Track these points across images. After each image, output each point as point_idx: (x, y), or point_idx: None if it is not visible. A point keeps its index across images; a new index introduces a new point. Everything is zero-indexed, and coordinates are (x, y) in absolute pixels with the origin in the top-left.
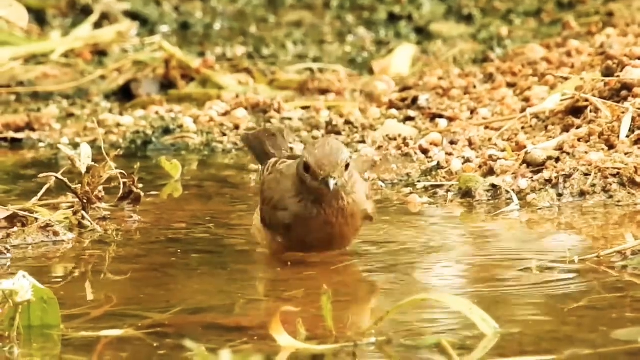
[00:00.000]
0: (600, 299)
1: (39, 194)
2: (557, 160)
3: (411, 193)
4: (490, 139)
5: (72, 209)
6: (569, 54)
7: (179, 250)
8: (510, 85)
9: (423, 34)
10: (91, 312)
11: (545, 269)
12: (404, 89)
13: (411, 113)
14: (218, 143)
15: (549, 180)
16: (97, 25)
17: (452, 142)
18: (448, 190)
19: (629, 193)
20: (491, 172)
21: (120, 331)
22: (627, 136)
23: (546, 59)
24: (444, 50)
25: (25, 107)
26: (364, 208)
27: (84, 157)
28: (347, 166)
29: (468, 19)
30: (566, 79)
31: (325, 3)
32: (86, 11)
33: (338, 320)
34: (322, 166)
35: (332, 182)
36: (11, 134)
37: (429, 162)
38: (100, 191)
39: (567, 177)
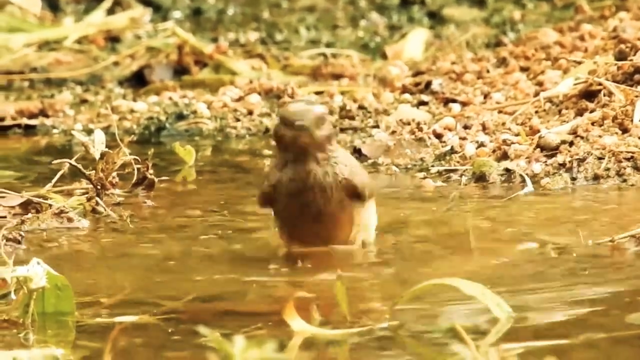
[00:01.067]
0: (613, 282)
1: (53, 180)
2: (571, 144)
3: (425, 178)
4: (503, 123)
5: (86, 195)
6: (582, 38)
7: (192, 237)
8: (523, 69)
9: (436, 18)
10: (105, 298)
11: (559, 254)
12: (417, 73)
13: (424, 98)
14: (232, 128)
15: (562, 164)
16: (110, 11)
17: (465, 127)
18: (462, 175)
19: None
20: (505, 156)
21: (134, 317)
22: None
23: (559, 42)
24: (456, 34)
25: (38, 94)
26: (345, 178)
27: (97, 143)
28: (323, 121)
29: (481, 3)
30: (579, 63)
31: None
32: None
33: (352, 306)
34: (295, 113)
35: (308, 120)
36: (25, 121)
37: (442, 146)
38: (114, 177)
39: (581, 161)
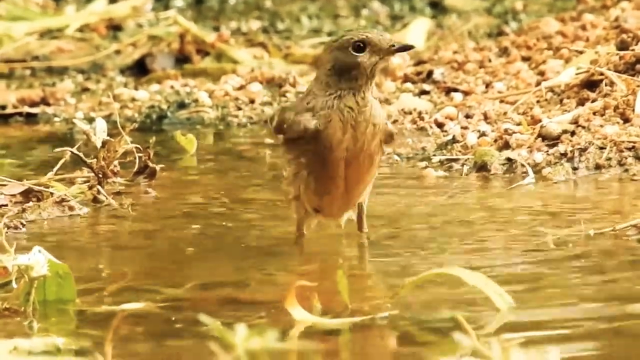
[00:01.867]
0: (615, 272)
1: (54, 169)
2: (573, 133)
3: (427, 167)
4: (505, 113)
5: (88, 184)
6: (583, 28)
7: (194, 225)
8: (525, 59)
9: (438, 8)
10: (106, 286)
11: (560, 243)
12: (419, 62)
13: (426, 87)
14: (233, 117)
15: (564, 154)
16: None
17: (467, 116)
18: (463, 164)
19: None
20: (507, 145)
21: (135, 305)
22: None
23: (561, 32)
24: (458, 24)
25: (40, 82)
26: (385, 123)
27: (99, 132)
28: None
29: None
30: (581, 52)
31: None
32: None
33: (354, 295)
34: (384, 37)
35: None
36: (26, 109)
37: (444, 136)
38: (115, 166)
39: (583, 150)
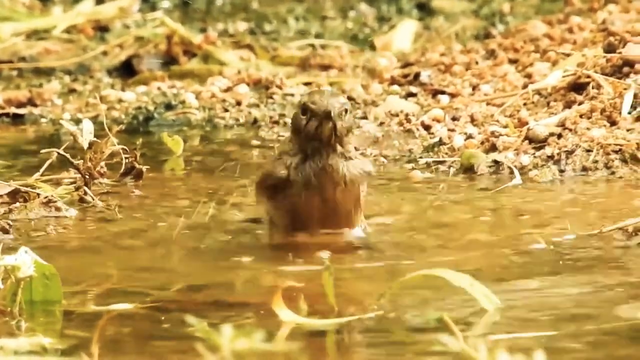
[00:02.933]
0: (602, 275)
1: (41, 170)
2: (559, 136)
3: (413, 169)
4: (492, 115)
5: (74, 185)
6: (570, 31)
7: (180, 226)
8: (512, 61)
9: (425, 10)
10: (93, 288)
11: (547, 245)
12: (406, 65)
13: (413, 89)
14: (220, 119)
15: (551, 157)
16: (99, 0)
17: (454, 119)
18: (450, 166)
19: (631, 169)
20: (493, 148)
21: (121, 306)
22: (629, 112)
23: (548, 35)
24: (445, 26)
25: (27, 83)
26: (366, 171)
27: (86, 133)
28: (346, 113)
29: None
30: (568, 55)
31: None
32: None
33: (339, 296)
34: (322, 102)
35: (333, 112)
36: (13, 110)
37: (431, 138)
38: (102, 167)
39: (569, 153)
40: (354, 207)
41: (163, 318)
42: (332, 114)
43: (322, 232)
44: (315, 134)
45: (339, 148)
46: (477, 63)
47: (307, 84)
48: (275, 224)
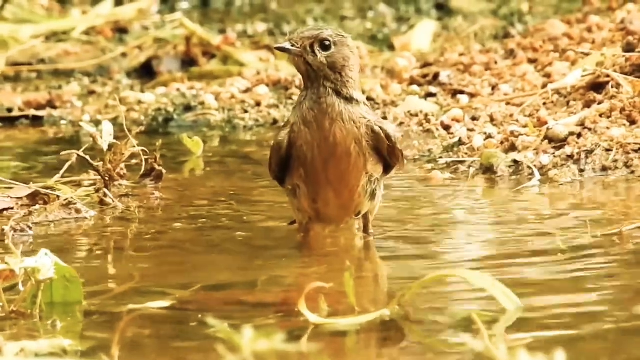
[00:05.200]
0: (621, 274)
1: (61, 172)
2: (579, 136)
3: (433, 169)
4: (511, 115)
5: (94, 187)
6: (589, 30)
7: (201, 227)
8: (531, 61)
9: (444, 10)
10: (113, 289)
11: (566, 245)
12: (425, 65)
13: (432, 89)
14: (239, 120)
15: (570, 156)
16: (118, 2)
17: (473, 118)
18: (470, 166)
19: None
20: (513, 148)
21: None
22: None
23: (567, 34)
24: (464, 26)
25: (46, 85)
26: (365, 119)
27: (105, 135)
28: (325, 44)
29: None
30: (587, 54)
31: None
32: None
33: (360, 296)
34: (289, 36)
35: (286, 44)
36: (33, 112)
37: (450, 138)
38: (122, 168)
39: (589, 152)
40: (358, 150)
41: (179, 321)
42: (287, 48)
43: (332, 181)
44: (303, 67)
45: (333, 85)
46: (496, 63)
47: None
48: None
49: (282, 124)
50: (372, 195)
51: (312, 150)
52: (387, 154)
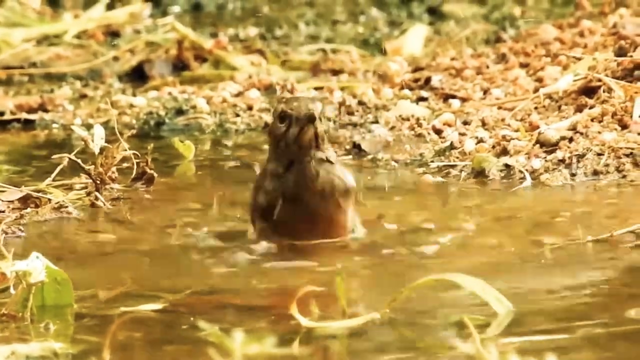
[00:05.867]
0: (613, 278)
1: (52, 175)
2: (571, 140)
3: (424, 173)
4: (503, 119)
5: (86, 190)
6: (581, 34)
7: (191, 231)
8: (523, 65)
9: (436, 14)
10: (104, 292)
11: (558, 249)
12: (417, 69)
13: (424, 93)
14: (231, 124)
15: (562, 160)
16: (110, 6)
17: (465, 123)
18: (461, 171)
19: None
20: (504, 152)
21: (134, 308)
22: None
23: (559, 39)
24: (456, 30)
25: (38, 88)
26: (339, 183)
27: (97, 138)
28: (323, 116)
29: (481, 0)
30: (579, 59)
31: None
32: None
33: (352, 300)
34: (302, 107)
35: (316, 112)
36: (24, 115)
37: (442, 142)
38: (113, 172)
39: (581, 157)
40: (338, 215)
41: (170, 325)
42: (315, 117)
43: (315, 237)
44: (296, 140)
45: (319, 154)
46: (488, 67)
47: (317, 88)
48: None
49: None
50: (353, 228)
51: (293, 221)
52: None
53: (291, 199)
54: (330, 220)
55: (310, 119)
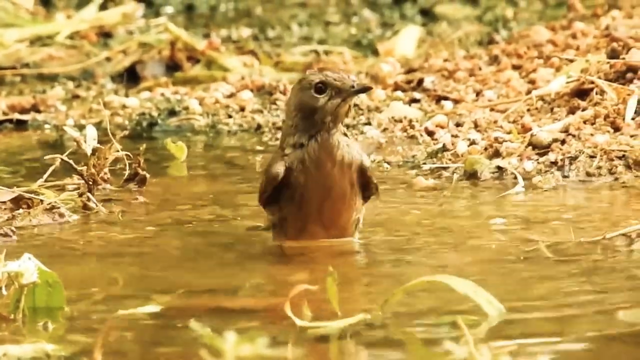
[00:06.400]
0: (605, 280)
1: (45, 176)
2: (563, 142)
3: (417, 175)
4: (495, 121)
5: (78, 191)
6: (574, 36)
7: (184, 232)
8: (515, 67)
9: (428, 15)
10: (96, 294)
11: (550, 251)
12: (410, 71)
13: (417, 95)
14: (223, 125)
15: (554, 163)
16: (103, 6)
17: (457, 124)
18: (454, 172)
19: (634, 175)
20: (497, 154)
21: (131, 311)
22: (633, 118)
23: (551, 41)
24: (449, 32)
25: (30, 89)
26: (357, 158)
27: (89, 139)
28: None
29: (473, 1)
30: (571, 61)
31: None
32: None
33: (343, 302)
34: (344, 78)
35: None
36: (16, 116)
37: (434, 144)
38: (105, 173)
39: (573, 159)
40: (351, 194)
41: (161, 326)
42: (364, 89)
43: (324, 219)
44: (334, 111)
45: (343, 128)
46: (480, 69)
47: None
48: (279, 226)
49: (277, 144)
50: (357, 223)
51: (309, 190)
52: (364, 187)
53: (312, 165)
54: (343, 195)
55: (363, 89)
